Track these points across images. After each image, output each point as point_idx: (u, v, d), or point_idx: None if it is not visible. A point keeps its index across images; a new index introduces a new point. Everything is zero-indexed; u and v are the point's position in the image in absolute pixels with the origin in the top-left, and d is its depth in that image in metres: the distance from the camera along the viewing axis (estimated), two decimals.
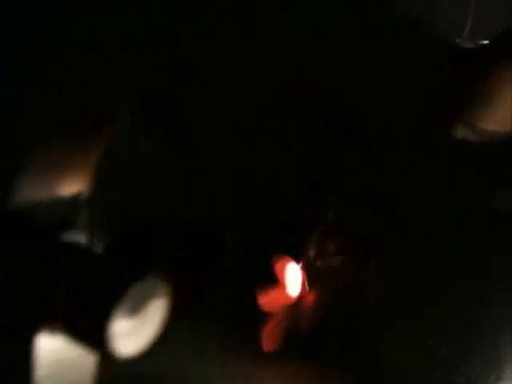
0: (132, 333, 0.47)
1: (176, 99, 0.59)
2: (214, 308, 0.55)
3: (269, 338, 0.52)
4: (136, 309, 0.48)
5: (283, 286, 0.52)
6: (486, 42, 0.50)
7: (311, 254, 0.53)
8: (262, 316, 0.52)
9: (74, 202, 0.52)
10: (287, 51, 0.55)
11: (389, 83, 0.52)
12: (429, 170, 0.49)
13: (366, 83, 0.53)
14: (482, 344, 0.45)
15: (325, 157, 0.55)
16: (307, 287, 0.52)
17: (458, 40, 0.51)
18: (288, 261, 0.53)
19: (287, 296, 0.52)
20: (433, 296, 0.48)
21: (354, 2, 0.54)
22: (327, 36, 0.54)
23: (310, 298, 0.53)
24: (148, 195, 0.59)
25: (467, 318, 0.46)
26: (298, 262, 0.53)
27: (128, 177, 0.56)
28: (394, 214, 0.50)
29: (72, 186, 0.53)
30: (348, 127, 0.55)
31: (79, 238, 0.52)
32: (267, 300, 0.52)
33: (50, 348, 0.45)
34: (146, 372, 0.51)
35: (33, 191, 0.51)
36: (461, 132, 0.48)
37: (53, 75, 0.60)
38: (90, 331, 0.46)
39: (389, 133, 0.52)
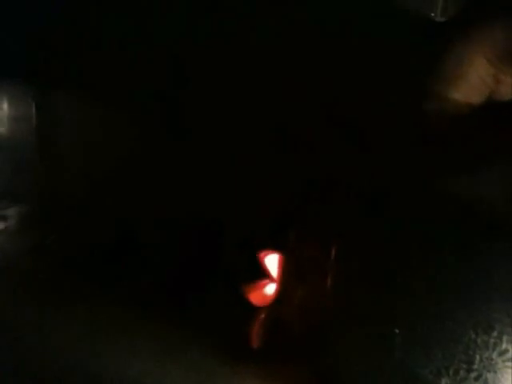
0: None
1: (176, 99, 0.59)
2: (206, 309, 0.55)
3: (255, 334, 0.52)
4: None
5: (271, 279, 0.52)
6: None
7: (298, 247, 0.53)
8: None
9: None
10: (287, 51, 0.56)
11: (389, 83, 0.52)
12: (429, 170, 0.49)
13: (366, 83, 0.53)
14: (444, 335, 0.44)
15: (325, 157, 0.55)
16: (295, 282, 0.52)
17: (432, 14, 0.51)
18: (275, 253, 0.53)
19: (274, 289, 0.52)
20: (399, 290, 0.48)
21: (353, 2, 0.54)
22: (327, 36, 0.55)
23: (299, 295, 0.53)
24: (147, 195, 0.59)
25: (428, 297, 0.46)
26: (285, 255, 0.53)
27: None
28: (394, 214, 0.50)
29: None
30: (348, 127, 0.55)
31: None
32: (255, 293, 0.52)
33: None
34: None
35: None
36: (431, 104, 0.48)
37: (54, 75, 0.60)
38: None
39: (389, 132, 0.52)
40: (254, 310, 0.53)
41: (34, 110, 0.58)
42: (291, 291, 0.53)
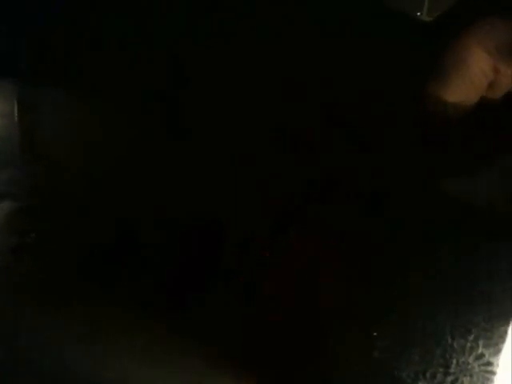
0: None
1: (176, 99, 0.59)
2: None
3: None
4: None
5: None
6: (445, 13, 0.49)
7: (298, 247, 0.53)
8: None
9: None
10: (287, 51, 0.55)
11: (388, 83, 0.52)
12: (429, 170, 0.49)
13: (366, 83, 0.53)
14: (425, 338, 0.44)
15: (325, 157, 0.55)
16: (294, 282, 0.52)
17: (418, 14, 0.51)
18: None
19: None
20: (379, 291, 0.47)
21: (353, 2, 0.54)
22: (327, 36, 0.55)
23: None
24: (147, 195, 0.59)
25: (412, 315, 0.45)
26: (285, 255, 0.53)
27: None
28: (394, 214, 0.50)
29: None
30: (348, 127, 0.55)
31: None
32: None
33: None
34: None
35: None
36: (425, 105, 0.47)
37: (54, 75, 0.60)
38: None
39: (389, 132, 0.52)
40: (254, 310, 0.53)
41: (17, 108, 0.58)
42: (291, 291, 0.53)
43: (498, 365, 0.43)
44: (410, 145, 0.50)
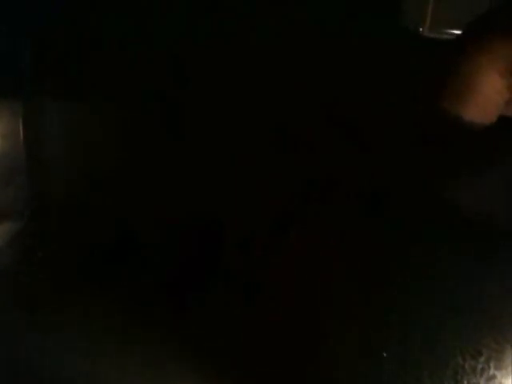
0: None
1: (176, 99, 0.59)
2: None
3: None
4: None
5: None
6: (449, 31, 0.49)
7: (298, 247, 0.53)
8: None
9: None
10: (287, 51, 0.56)
11: (389, 83, 0.52)
12: (429, 170, 0.49)
13: (366, 83, 0.53)
14: (432, 345, 0.44)
15: (325, 157, 0.55)
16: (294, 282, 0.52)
17: (420, 30, 0.51)
18: None
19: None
20: (381, 298, 0.47)
21: (353, 3, 0.54)
22: (327, 36, 0.55)
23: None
24: (147, 195, 0.59)
25: (416, 320, 0.45)
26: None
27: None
28: (394, 214, 0.50)
29: None
30: (348, 127, 0.55)
31: None
32: None
33: None
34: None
35: None
36: (426, 105, 0.47)
37: (54, 76, 0.60)
38: None
39: (389, 132, 0.52)
40: (254, 310, 0.53)
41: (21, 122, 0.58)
42: (291, 291, 0.53)
43: None
44: (410, 145, 0.49)
